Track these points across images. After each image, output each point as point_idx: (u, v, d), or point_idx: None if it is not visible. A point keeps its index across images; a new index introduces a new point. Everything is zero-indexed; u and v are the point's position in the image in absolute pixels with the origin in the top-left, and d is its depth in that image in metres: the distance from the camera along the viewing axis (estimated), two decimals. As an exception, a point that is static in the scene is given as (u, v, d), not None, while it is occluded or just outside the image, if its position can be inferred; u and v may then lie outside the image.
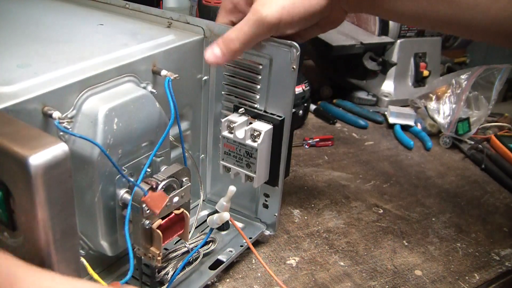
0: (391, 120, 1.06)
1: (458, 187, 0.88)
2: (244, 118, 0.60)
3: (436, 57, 1.21)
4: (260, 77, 0.60)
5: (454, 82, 1.02)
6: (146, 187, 0.48)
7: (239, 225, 0.69)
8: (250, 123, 0.60)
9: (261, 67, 0.59)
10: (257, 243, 0.68)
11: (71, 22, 0.63)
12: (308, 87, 1.00)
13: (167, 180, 0.50)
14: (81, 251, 0.53)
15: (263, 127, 0.59)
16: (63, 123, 0.43)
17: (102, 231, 0.50)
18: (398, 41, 1.14)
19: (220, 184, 0.71)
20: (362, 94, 1.17)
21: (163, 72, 0.54)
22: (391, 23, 1.12)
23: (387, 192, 0.84)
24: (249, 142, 0.59)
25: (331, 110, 1.10)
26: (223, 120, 0.60)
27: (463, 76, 1.02)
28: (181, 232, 0.53)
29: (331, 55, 1.10)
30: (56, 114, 0.43)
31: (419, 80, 1.17)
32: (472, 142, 0.99)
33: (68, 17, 0.65)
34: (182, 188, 0.52)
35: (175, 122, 0.52)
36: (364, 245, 0.71)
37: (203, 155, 0.69)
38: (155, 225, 0.49)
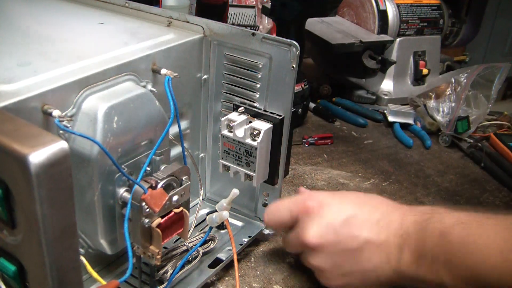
0: (391, 118, 1.06)
1: (458, 186, 0.88)
2: (243, 117, 0.60)
3: (435, 56, 1.21)
4: (259, 76, 0.60)
5: (453, 80, 1.02)
6: (145, 185, 0.48)
7: (238, 223, 0.69)
8: (250, 122, 0.60)
9: (260, 65, 0.59)
10: (256, 241, 0.68)
11: (71, 20, 0.63)
12: (307, 86, 1.00)
13: (167, 179, 0.50)
14: (81, 250, 0.53)
15: (263, 126, 0.59)
16: (63, 121, 0.43)
17: (102, 229, 0.50)
18: (398, 39, 1.14)
19: (219, 183, 0.71)
20: (361, 93, 1.17)
21: (163, 71, 0.53)
22: (390, 21, 1.12)
23: (386, 190, 0.84)
24: (248, 141, 0.59)
25: (330, 108, 1.10)
26: (222, 119, 0.60)
27: (462, 75, 1.02)
28: (180, 230, 0.53)
29: (331, 53, 1.10)
30: (56, 112, 0.43)
31: (419, 79, 1.18)
32: (472, 141, 0.99)
33: (68, 15, 0.65)
34: (182, 187, 0.51)
35: (174, 121, 0.52)
36: (363, 243, 0.71)
37: (202, 154, 0.69)
38: (154, 224, 0.49)
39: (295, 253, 0.61)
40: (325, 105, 1.11)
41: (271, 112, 0.60)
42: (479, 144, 0.97)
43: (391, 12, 1.13)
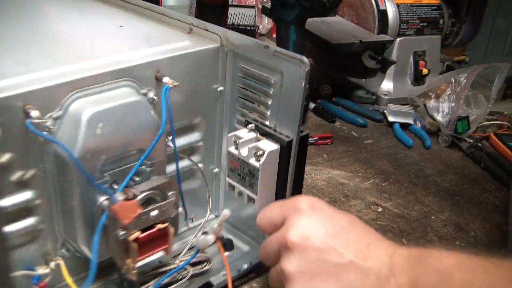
0: (391, 118, 1.06)
1: (458, 186, 0.88)
2: (252, 135, 0.56)
3: (435, 56, 1.21)
4: (271, 92, 0.56)
5: (453, 80, 1.02)
6: (123, 196, 0.46)
7: (245, 247, 0.64)
8: (259, 140, 0.56)
9: (273, 81, 0.55)
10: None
11: (93, 21, 0.62)
12: (307, 86, 1.00)
13: (148, 192, 0.48)
14: (65, 252, 0.51)
15: (268, 147, 0.54)
16: (39, 123, 0.42)
17: (81, 235, 0.49)
18: (398, 39, 1.14)
19: (235, 201, 0.65)
20: (361, 93, 1.17)
21: (165, 79, 0.51)
22: (390, 21, 1.12)
23: (386, 190, 0.84)
24: (252, 161, 0.55)
25: (330, 108, 1.10)
26: (229, 134, 0.57)
27: (462, 75, 1.02)
28: (164, 247, 0.50)
29: (331, 53, 1.10)
30: (34, 113, 0.42)
31: (419, 79, 1.17)
32: (472, 141, 0.99)
33: (92, 16, 0.64)
34: (164, 202, 0.49)
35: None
36: (363, 243, 0.71)
37: (217, 169, 0.65)
38: (132, 237, 0.46)
39: (269, 264, 0.53)
40: (325, 105, 1.11)
41: (280, 133, 0.56)
42: (479, 144, 0.97)
43: (391, 12, 1.13)
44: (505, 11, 2.07)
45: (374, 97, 1.16)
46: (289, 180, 0.57)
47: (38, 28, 0.58)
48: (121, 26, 0.61)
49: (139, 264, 0.49)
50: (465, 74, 1.02)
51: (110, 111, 0.47)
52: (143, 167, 0.50)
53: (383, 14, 1.11)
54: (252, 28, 1.27)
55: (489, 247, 0.72)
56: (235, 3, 1.34)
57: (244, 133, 0.56)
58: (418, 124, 1.05)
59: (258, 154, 0.55)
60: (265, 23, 1.37)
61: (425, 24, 1.17)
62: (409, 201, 0.82)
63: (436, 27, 1.19)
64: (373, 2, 1.11)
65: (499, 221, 0.79)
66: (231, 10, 1.24)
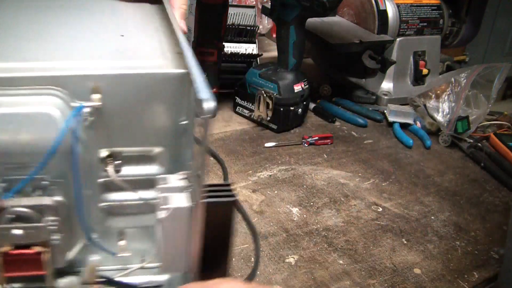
0: (390, 118, 1.06)
1: (457, 186, 0.88)
2: (182, 184, 0.47)
3: (435, 56, 1.21)
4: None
5: (453, 80, 1.02)
6: None
7: None
8: (184, 191, 0.47)
9: None
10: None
11: (99, 28, 0.60)
12: (307, 86, 1.00)
13: (18, 209, 0.46)
14: None
15: (178, 202, 0.44)
16: None
17: None
18: (398, 39, 1.14)
19: None
20: (361, 93, 1.17)
21: (94, 96, 0.47)
22: (390, 21, 1.12)
23: (386, 190, 0.84)
24: (159, 212, 0.45)
25: (330, 108, 1.10)
26: (159, 176, 0.48)
27: (462, 75, 1.02)
28: (41, 273, 0.48)
29: (331, 53, 1.10)
30: None
31: (419, 79, 1.18)
32: (472, 141, 0.99)
33: (108, 20, 0.62)
34: (33, 225, 0.47)
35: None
36: (363, 243, 0.71)
37: None
38: (0, 250, 0.45)
39: None
40: (325, 105, 1.11)
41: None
42: (479, 144, 0.97)
43: (391, 12, 1.13)
44: (505, 11, 2.07)
45: (374, 97, 1.16)
46: (190, 251, 0.46)
47: (46, 25, 0.57)
48: (122, 35, 0.57)
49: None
50: (465, 74, 1.02)
51: (9, 116, 0.45)
52: (46, 182, 0.48)
53: (383, 14, 1.11)
54: (252, 28, 1.27)
55: (489, 247, 0.72)
56: (235, 3, 1.34)
57: (175, 179, 0.47)
58: (418, 124, 1.05)
59: (164, 207, 0.45)
60: (265, 23, 1.37)
61: (425, 24, 1.17)
62: (409, 201, 0.82)
63: (436, 27, 1.19)
64: (373, 2, 1.11)
65: (499, 221, 0.79)
66: (231, 10, 1.24)
